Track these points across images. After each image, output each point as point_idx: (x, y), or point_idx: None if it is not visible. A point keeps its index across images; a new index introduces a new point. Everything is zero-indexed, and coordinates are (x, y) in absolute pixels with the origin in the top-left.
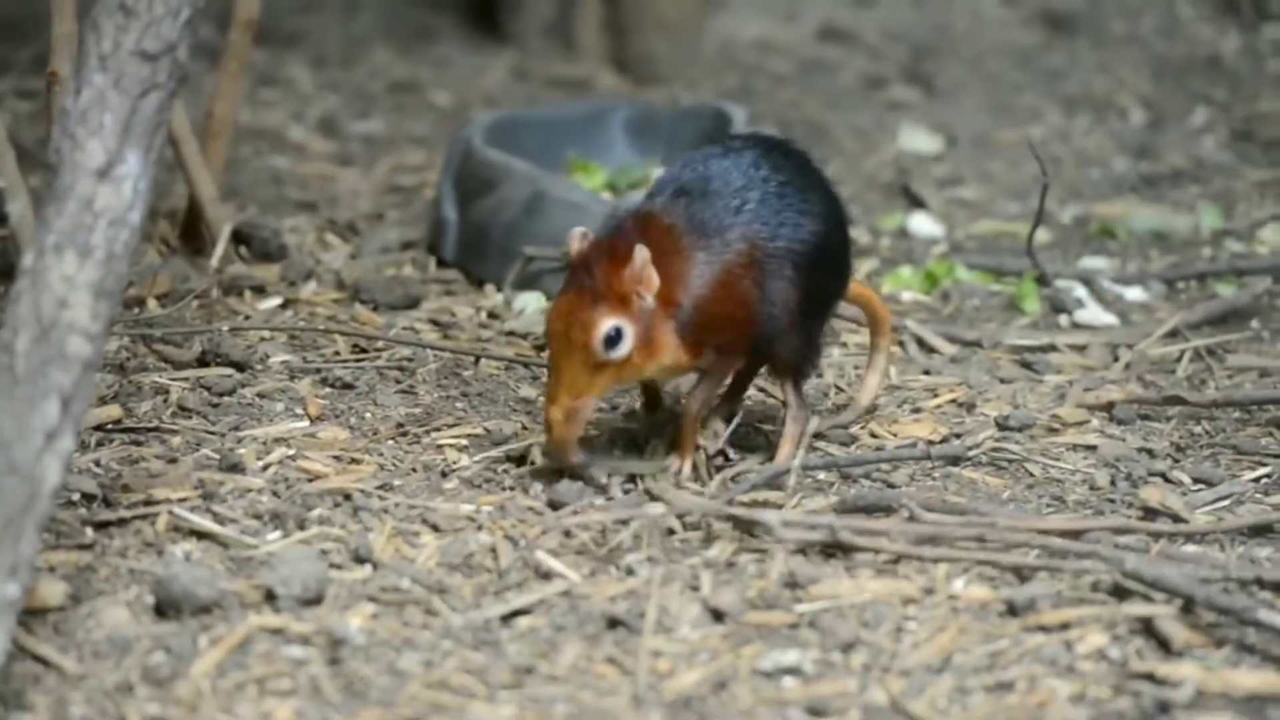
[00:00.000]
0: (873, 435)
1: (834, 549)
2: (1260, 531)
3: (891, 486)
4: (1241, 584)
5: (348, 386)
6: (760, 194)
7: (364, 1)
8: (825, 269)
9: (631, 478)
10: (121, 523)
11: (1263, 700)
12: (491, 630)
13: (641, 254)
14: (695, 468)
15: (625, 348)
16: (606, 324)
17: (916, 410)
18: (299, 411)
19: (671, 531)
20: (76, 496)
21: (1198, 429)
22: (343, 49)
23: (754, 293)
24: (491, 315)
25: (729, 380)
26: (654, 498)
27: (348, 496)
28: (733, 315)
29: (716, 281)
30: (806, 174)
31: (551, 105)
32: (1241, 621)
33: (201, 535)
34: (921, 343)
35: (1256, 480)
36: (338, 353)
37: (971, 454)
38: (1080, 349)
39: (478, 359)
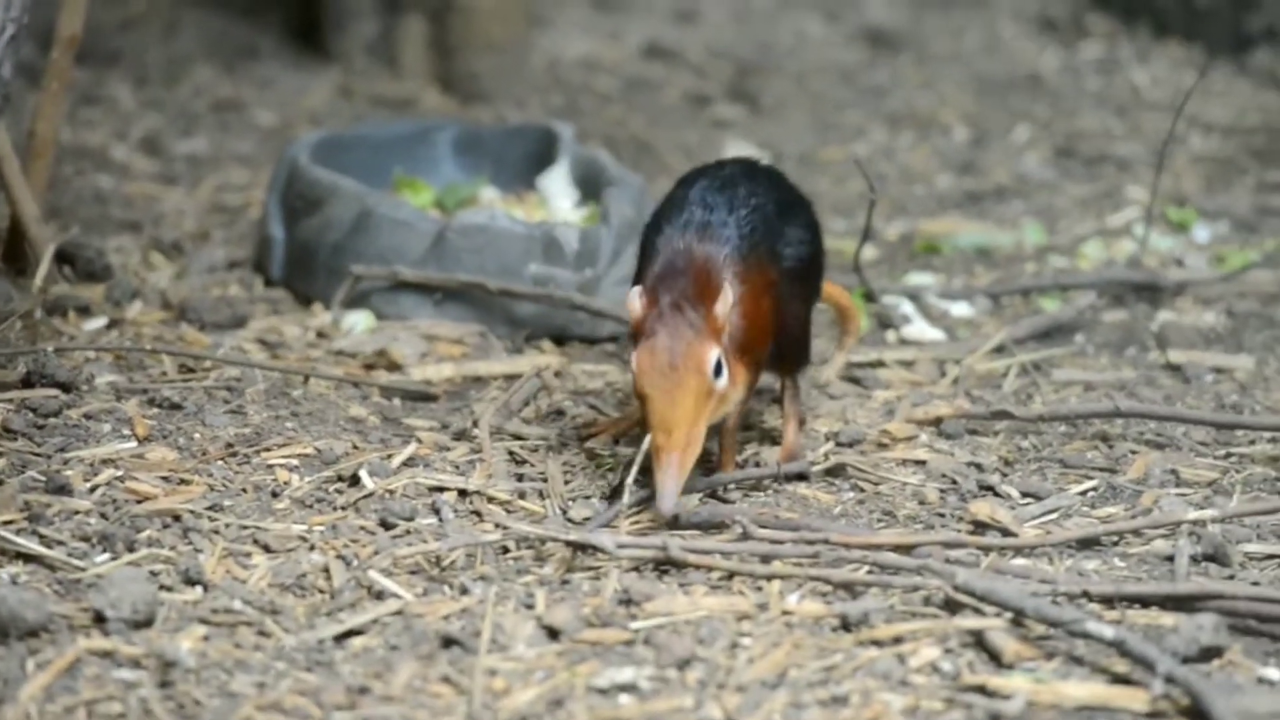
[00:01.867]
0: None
1: (668, 566)
2: (1088, 544)
3: (725, 503)
4: (1070, 597)
5: (176, 407)
6: (762, 216)
7: (185, 20)
8: (815, 277)
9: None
10: None
11: (1092, 711)
12: (325, 651)
13: (730, 291)
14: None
15: (725, 378)
16: (714, 354)
17: (748, 428)
18: (126, 432)
19: (505, 550)
20: None
21: (1025, 443)
22: (165, 68)
23: (774, 307)
24: (320, 334)
25: None
26: (487, 518)
27: (177, 517)
28: (765, 326)
29: (750, 300)
30: (791, 192)
31: (378, 123)
32: (1071, 634)
33: (28, 558)
34: None
35: (1083, 493)
36: (165, 373)
37: (815, 470)
38: (908, 364)
39: (306, 378)
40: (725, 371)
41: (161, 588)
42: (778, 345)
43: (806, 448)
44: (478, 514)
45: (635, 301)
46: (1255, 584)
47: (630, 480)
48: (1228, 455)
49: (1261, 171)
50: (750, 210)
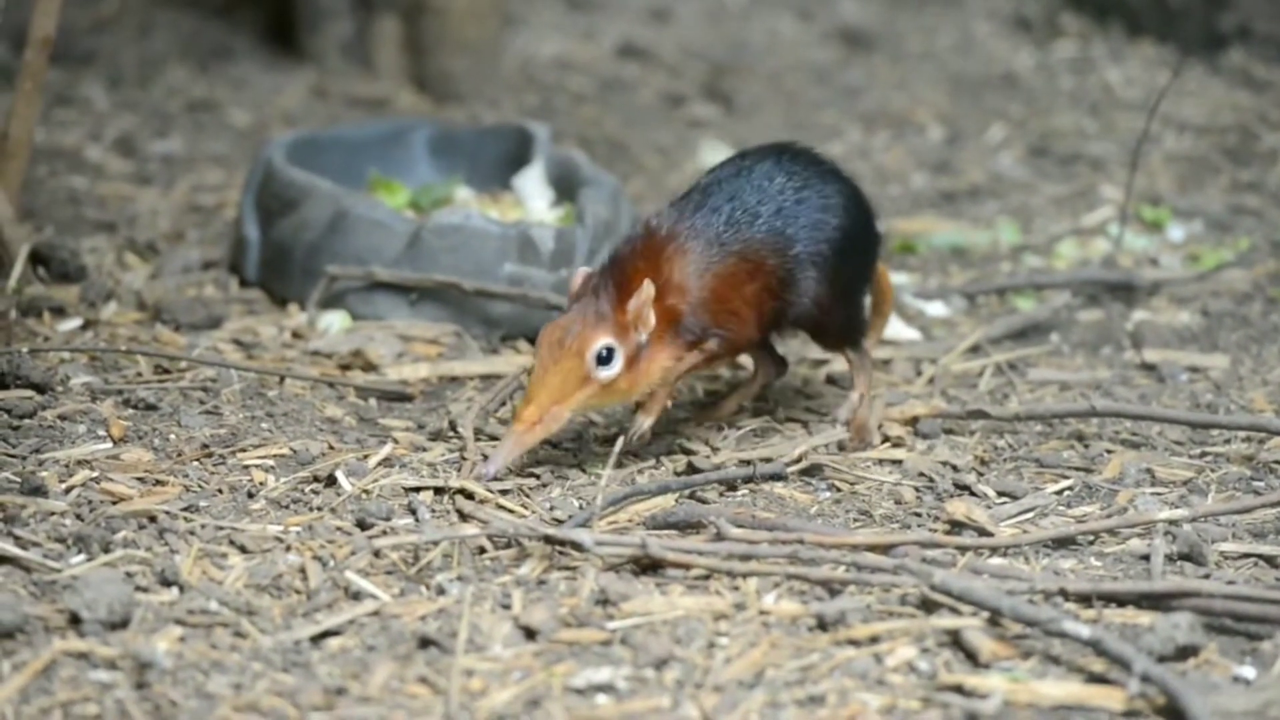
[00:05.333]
0: (687, 453)
1: (645, 566)
2: (1064, 543)
3: (702, 502)
4: (1046, 595)
5: (151, 408)
6: (777, 205)
7: (159, 20)
8: (853, 256)
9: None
10: None
11: (1068, 710)
12: (302, 652)
13: (645, 291)
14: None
15: (614, 370)
16: (601, 343)
17: (723, 430)
18: (102, 433)
19: (482, 550)
20: None
21: (1001, 443)
22: (139, 68)
23: (760, 291)
24: (295, 335)
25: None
26: (465, 517)
27: (153, 518)
28: (737, 311)
29: (717, 282)
30: (823, 172)
31: (353, 124)
32: (1047, 633)
33: (3, 559)
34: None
35: (1059, 493)
36: (140, 374)
37: (790, 470)
38: (884, 364)
39: (282, 379)
40: (617, 362)
41: (137, 589)
42: (805, 327)
43: (868, 430)
44: (456, 513)
45: (575, 279)
46: (1231, 583)
47: (607, 470)
48: (1203, 454)
49: (1235, 171)
50: (748, 197)
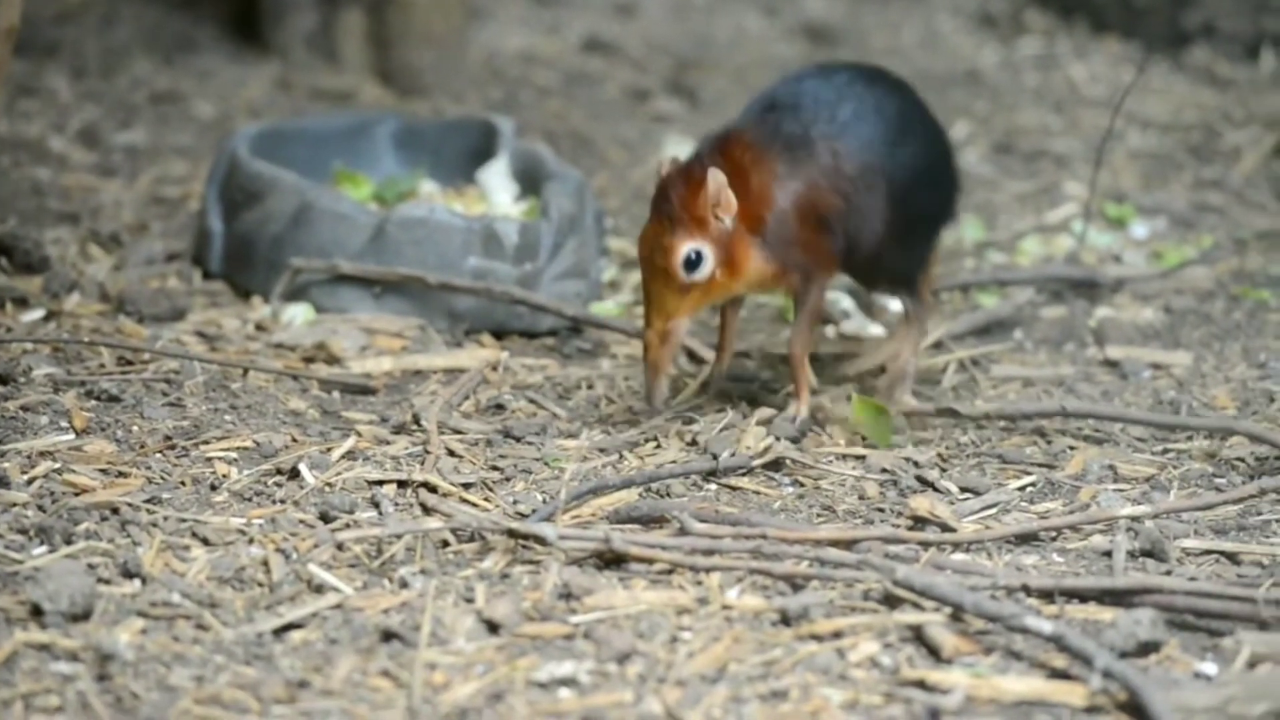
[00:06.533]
0: (658, 446)
1: (609, 560)
2: (1026, 539)
3: (665, 497)
4: (1009, 591)
5: (114, 399)
6: (853, 110)
7: (123, 12)
8: (924, 189)
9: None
10: None
11: (1030, 706)
12: (264, 644)
13: (716, 178)
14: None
15: (706, 270)
16: (685, 248)
17: (690, 422)
18: (64, 424)
19: (445, 544)
20: None
21: (964, 439)
22: (102, 59)
23: (838, 209)
24: (259, 327)
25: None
26: (428, 511)
27: (115, 510)
28: (814, 232)
29: (800, 197)
30: (905, 99)
31: (317, 116)
32: (1009, 628)
33: None
34: (692, 354)
35: (1022, 489)
36: (103, 365)
37: (755, 464)
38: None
39: (246, 371)
40: (708, 260)
41: (99, 580)
42: (857, 253)
43: (907, 378)
44: (419, 506)
45: (664, 167)
46: (1192, 579)
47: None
48: (1165, 451)
49: (1198, 168)
50: (828, 101)
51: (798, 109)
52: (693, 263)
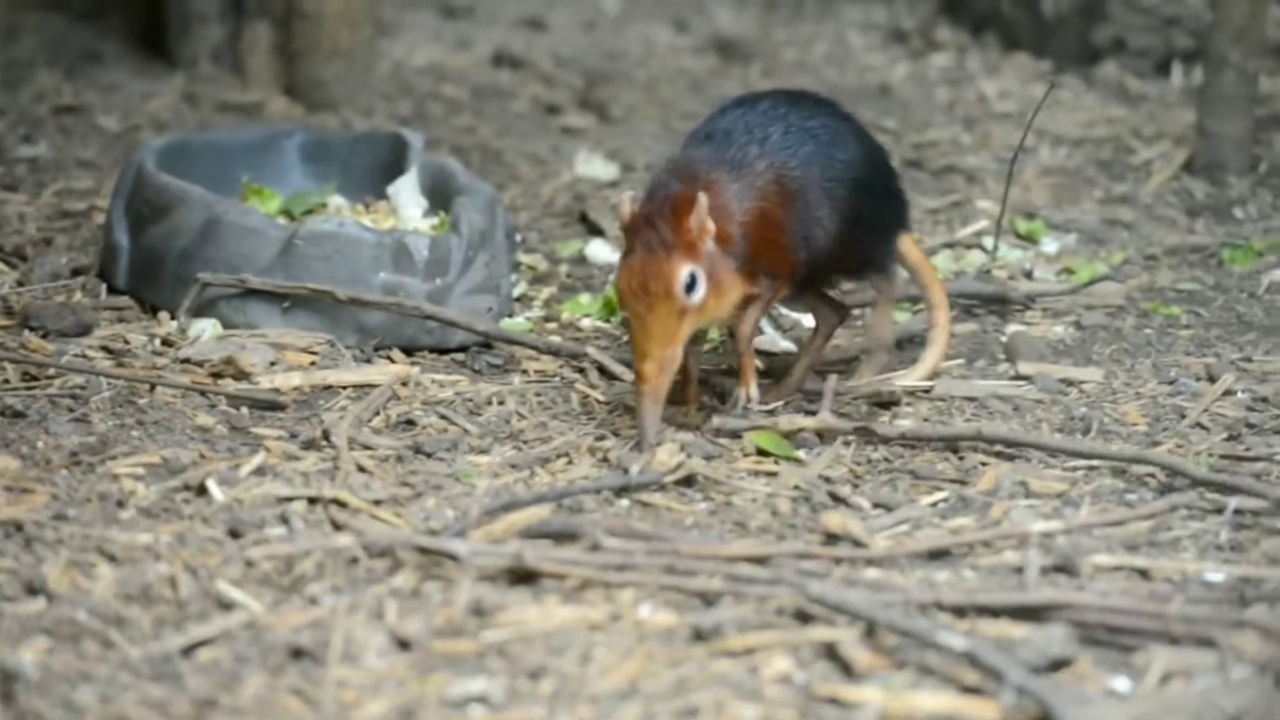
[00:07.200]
0: (570, 462)
1: (521, 576)
2: (938, 555)
3: (577, 513)
4: (921, 607)
5: (18, 415)
6: (783, 129)
7: (25, 23)
8: (871, 193)
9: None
10: None
11: None
12: (171, 662)
13: (703, 201)
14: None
15: (701, 291)
16: (684, 271)
17: (602, 439)
18: None
19: (356, 560)
20: None
21: (876, 455)
22: (5, 71)
23: (790, 217)
24: (166, 342)
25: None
26: (338, 527)
27: (19, 527)
28: (775, 239)
29: (755, 210)
30: (833, 114)
31: (225, 130)
32: (922, 644)
33: None
34: (603, 370)
35: (934, 505)
36: (7, 380)
37: (667, 481)
38: (760, 375)
39: (153, 387)
40: (702, 283)
41: (4, 598)
42: (815, 256)
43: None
44: (329, 523)
45: (625, 206)
46: (1104, 595)
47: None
48: (1076, 467)
49: (1109, 184)
50: (773, 125)
51: (730, 135)
52: (691, 285)
